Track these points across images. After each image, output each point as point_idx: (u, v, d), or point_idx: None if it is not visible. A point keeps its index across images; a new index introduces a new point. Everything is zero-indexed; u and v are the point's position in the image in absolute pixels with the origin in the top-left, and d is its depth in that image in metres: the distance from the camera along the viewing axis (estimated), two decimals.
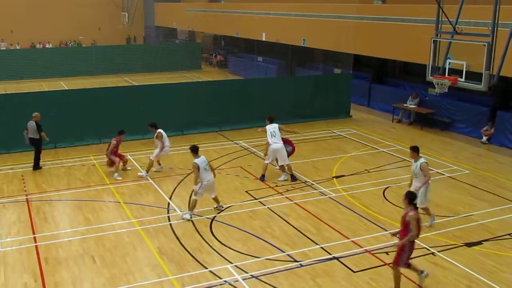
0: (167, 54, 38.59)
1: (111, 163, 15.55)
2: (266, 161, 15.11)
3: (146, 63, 37.50)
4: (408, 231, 8.97)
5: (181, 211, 12.89)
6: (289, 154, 15.18)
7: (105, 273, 10.05)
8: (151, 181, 15.13)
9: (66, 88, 29.21)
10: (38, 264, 10.37)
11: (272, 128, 14.96)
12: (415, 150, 12.00)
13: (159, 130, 15.63)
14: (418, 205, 9.83)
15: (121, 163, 15.81)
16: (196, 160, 12.40)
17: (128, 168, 16.10)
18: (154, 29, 51.77)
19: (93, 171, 15.95)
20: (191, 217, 12.49)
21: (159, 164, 16.04)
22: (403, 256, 9.16)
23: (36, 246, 11.15)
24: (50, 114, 17.39)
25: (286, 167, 15.08)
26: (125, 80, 34.17)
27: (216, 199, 13.02)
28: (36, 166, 16.08)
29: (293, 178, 15.09)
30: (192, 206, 12.61)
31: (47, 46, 46.85)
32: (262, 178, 15.11)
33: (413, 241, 9.18)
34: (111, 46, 39.97)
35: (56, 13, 48.33)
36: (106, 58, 36.46)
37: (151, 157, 15.57)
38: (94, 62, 36.14)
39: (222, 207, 13.10)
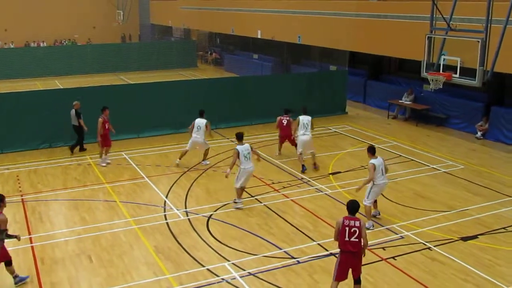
0: (162, 52, 38.54)
1: (102, 144, 16.07)
2: (298, 152, 15.83)
3: (142, 61, 37.43)
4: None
5: (177, 209, 12.91)
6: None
7: (102, 273, 10.06)
8: (147, 179, 15.13)
9: (61, 87, 29.14)
10: (34, 264, 10.37)
11: (306, 119, 15.73)
12: (369, 150, 12.08)
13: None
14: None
15: (104, 151, 16.16)
16: (238, 147, 12.85)
17: (108, 160, 16.39)
18: (149, 27, 51.68)
19: (89, 171, 15.94)
20: (242, 204, 13.05)
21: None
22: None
23: (32, 247, 11.14)
24: (44, 114, 17.36)
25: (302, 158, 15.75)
26: (121, 78, 34.11)
27: (242, 189, 13.25)
28: (81, 148, 17.60)
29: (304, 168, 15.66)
30: (238, 194, 13.09)
31: (41, 45, 46.70)
32: (303, 168, 15.62)
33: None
34: (106, 44, 39.85)
35: (50, 12, 48.22)
36: (101, 56, 36.39)
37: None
38: (89, 60, 36.05)
39: (237, 201, 13.25)
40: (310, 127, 15.71)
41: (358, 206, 8.92)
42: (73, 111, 17.14)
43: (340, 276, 8.78)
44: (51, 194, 14.10)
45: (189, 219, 12.44)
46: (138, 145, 18.42)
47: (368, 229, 11.26)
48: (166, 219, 12.47)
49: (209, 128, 16.01)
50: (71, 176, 15.46)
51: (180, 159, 16.22)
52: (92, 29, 50.28)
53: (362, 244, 8.63)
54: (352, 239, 8.57)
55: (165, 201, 13.55)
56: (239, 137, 13.13)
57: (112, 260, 10.53)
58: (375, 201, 12.21)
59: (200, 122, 15.92)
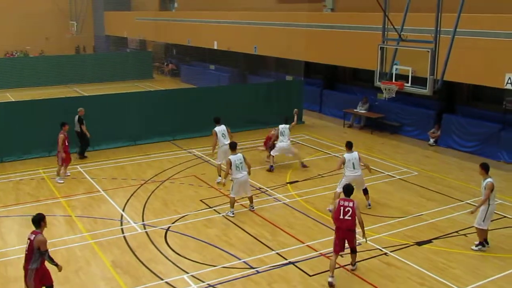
0: (118, 63, 38.06)
1: (63, 161, 15.76)
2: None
3: (97, 72, 36.82)
4: None
5: (134, 222, 12.75)
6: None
7: None
8: (103, 193, 14.88)
9: (13, 100, 28.37)
10: None
11: (284, 128, 16.93)
12: (346, 145, 13.68)
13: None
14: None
15: (63, 167, 15.89)
16: (231, 156, 13.05)
17: (68, 173, 16.22)
18: (104, 38, 50.96)
19: (42, 185, 15.56)
20: (233, 214, 13.13)
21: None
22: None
23: None
24: None
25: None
26: (75, 90, 33.51)
27: (250, 199, 13.45)
28: (81, 155, 18.03)
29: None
30: (231, 203, 13.19)
31: None
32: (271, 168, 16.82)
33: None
34: (60, 55, 39.07)
35: (0, 23, 46.95)
36: (54, 68, 35.64)
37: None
38: (42, 72, 35.28)
39: (253, 208, 13.51)
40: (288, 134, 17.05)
41: (352, 189, 10.25)
42: (76, 117, 17.58)
43: (337, 249, 9.98)
44: (3, 210, 13.67)
45: (146, 232, 12.29)
46: (93, 158, 18.10)
47: (330, 211, 12.67)
48: (123, 232, 12.28)
49: (230, 131, 15.86)
50: (24, 191, 15.04)
51: (221, 176, 15.38)
52: (45, 40, 49.20)
53: (358, 222, 9.83)
54: (346, 217, 9.83)
55: (122, 215, 13.35)
56: (233, 147, 13.25)
57: (68, 276, 10.28)
58: (366, 192, 13.68)
59: (222, 129, 15.60)
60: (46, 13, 49.10)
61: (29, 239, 8.65)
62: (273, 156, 17.01)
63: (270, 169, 16.76)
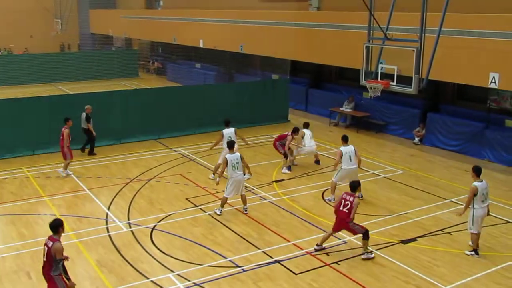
0: (103, 61, 37.80)
1: (65, 156, 15.83)
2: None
3: (82, 71, 36.55)
4: None
5: (119, 221, 12.67)
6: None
7: None
8: (88, 191, 14.77)
9: None
10: None
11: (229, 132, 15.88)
12: (342, 138, 14.28)
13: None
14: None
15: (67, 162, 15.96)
16: (228, 155, 13.00)
17: (70, 173, 16.14)
18: (89, 36, 50.59)
19: (26, 184, 15.40)
20: (220, 213, 13.07)
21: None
22: None
23: None
24: None
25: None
26: (60, 88, 33.21)
27: (243, 200, 13.29)
28: (90, 152, 18.29)
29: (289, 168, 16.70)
30: (222, 202, 13.13)
31: None
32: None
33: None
34: (44, 53, 38.67)
35: None
36: (39, 66, 35.29)
37: None
38: (26, 70, 34.92)
39: (246, 211, 13.29)
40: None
41: (357, 184, 11.21)
42: (83, 115, 17.78)
43: (334, 228, 11.15)
44: None
45: (132, 231, 12.22)
46: (78, 156, 17.94)
47: (330, 201, 14.03)
48: (108, 231, 12.20)
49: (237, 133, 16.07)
50: (7, 190, 14.87)
51: (215, 174, 15.53)
52: (29, 38, 48.71)
53: (350, 215, 10.72)
54: (344, 209, 10.78)
55: (107, 213, 13.26)
56: (230, 146, 13.20)
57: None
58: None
59: (230, 131, 15.79)
60: (31, 10, 48.59)
61: (46, 245, 8.24)
62: (294, 158, 17.04)
63: (289, 169, 16.60)
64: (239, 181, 13.00)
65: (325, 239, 11.21)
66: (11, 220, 12.83)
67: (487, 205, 11.06)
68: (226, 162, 12.90)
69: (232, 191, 13.03)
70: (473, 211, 10.89)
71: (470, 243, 11.29)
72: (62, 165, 16.10)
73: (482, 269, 10.56)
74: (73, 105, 18.83)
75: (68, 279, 8.39)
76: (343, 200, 10.88)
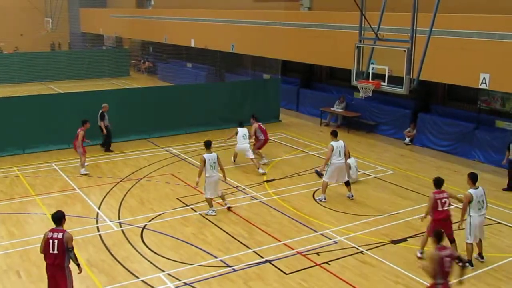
0: (93, 60, 37.62)
1: (83, 153, 16.10)
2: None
3: (72, 70, 36.40)
4: None
5: (110, 221, 12.62)
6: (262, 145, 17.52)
7: None
8: (78, 191, 14.71)
9: None
10: None
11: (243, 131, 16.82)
12: (331, 133, 14.47)
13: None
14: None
15: (83, 158, 16.14)
16: (205, 155, 12.87)
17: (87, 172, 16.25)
18: (80, 35, 50.33)
19: (16, 183, 15.31)
20: (214, 213, 13.11)
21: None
22: None
23: None
24: None
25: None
26: (50, 87, 33.03)
27: (222, 197, 13.35)
28: (107, 149, 18.60)
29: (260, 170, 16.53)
30: (208, 203, 13.17)
31: None
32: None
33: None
34: (35, 52, 38.45)
35: None
36: (29, 65, 35.08)
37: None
38: (16, 69, 34.71)
39: (227, 205, 13.43)
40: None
41: (442, 180, 10.76)
42: (99, 112, 18.05)
43: (449, 231, 10.53)
44: None
45: (122, 230, 12.18)
46: (69, 155, 17.84)
47: (320, 200, 14.03)
48: (98, 231, 12.16)
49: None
50: None
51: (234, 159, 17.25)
52: (19, 37, 48.40)
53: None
54: (444, 208, 10.56)
55: (97, 213, 13.21)
56: (207, 145, 13.12)
57: (42, 275, 10.07)
58: (348, 184, 14.28)
59: (245, 131, 16.76)
60: (21, 9, 48.30)
61: (52, 238, 8.28)
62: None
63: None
64: (215, 182, 12.95)
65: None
66: (1, 219, 12.74)
67: (484, 213, 10.66)
68: (204, 161, 12.81)
69: (209, 191, 12.96)
70: (470, 219, 10.46)
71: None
72: (79, 165, 16.35)
73: (471, 270, 10.60)
74: (63, 104, 18.79)
75: (78, 265, 8.52)
76: (438, 201, 10.45)
